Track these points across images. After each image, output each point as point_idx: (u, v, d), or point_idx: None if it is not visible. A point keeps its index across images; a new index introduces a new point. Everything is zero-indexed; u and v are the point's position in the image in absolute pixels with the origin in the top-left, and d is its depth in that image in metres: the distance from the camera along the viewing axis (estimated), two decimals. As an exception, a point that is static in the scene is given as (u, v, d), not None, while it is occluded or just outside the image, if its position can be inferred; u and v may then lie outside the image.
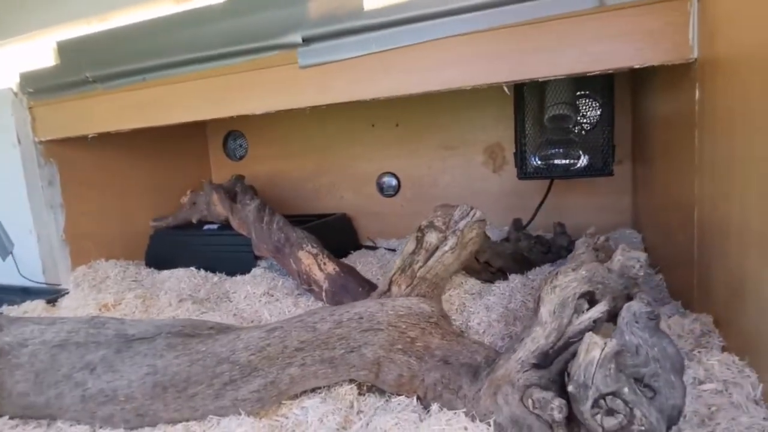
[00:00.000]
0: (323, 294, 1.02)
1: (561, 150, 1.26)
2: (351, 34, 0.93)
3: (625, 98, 1.37)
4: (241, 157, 1.89)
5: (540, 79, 0.85)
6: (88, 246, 1.41)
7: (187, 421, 0.64)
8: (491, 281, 1.04)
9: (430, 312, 0.69)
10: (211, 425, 0.62)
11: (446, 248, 0.80)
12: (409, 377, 0.64)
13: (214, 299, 1.14)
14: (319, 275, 1.04)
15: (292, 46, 0.97)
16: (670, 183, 0.93)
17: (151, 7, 1.14)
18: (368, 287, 1.00)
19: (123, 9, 1.18)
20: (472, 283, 1.03)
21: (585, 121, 1.27)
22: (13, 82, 1.28)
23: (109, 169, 1.48)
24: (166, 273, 1.33)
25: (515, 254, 1.11)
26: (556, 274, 0.60)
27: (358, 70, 0.94)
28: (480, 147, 1.55)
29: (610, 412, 0.46)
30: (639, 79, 1.28)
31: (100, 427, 0.65)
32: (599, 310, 0.55)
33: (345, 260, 1.31)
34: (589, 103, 1.26)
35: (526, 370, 0.55)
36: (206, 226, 1.41)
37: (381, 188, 1.70)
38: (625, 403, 0.46)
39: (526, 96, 1.27)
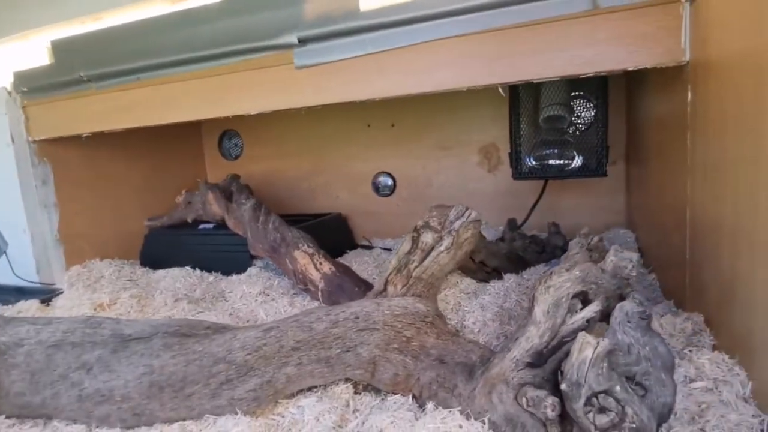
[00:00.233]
0: (319, 294, 1.03)
1: (555, 150, 1.27)
2: (347, 35, 0.93)
3: (619, 99, 1.38)
4: (237, 157, 1.89)
5: (534, 81, 0.85)
6: (82, 245, 1.40)
7: (184, 420, 0.64)
8: (486, 281, 1.04)
9: (426, 311, 0.69)
10: (208, 424, 0.63)
11: (442, 248, 0.80)
12: (405, 376, 0.65)
13: (209, 299, 1.14)
14: (315, 275, 1.04)
15: (288, 46, 0.97)
16: (663, 184, 0.94)
17: (146, 7, 1.14)
18: (364, 287, 1.00)
19: (117, 9, 1.18)
20: (468, 283, 1.04)
21: (579, 121, 1.28)
22: (7, 81, 1.28)
23: (104, 169, 1.48)
24: (161, 272, 1.33)
25: (510, 254, 1.12)
26: (550, 274, 0.60)
27: (354, 70, 0.95)
28: (475, 147, 1.56)
29: (603, 410, 0.47)
30: (633, 81, 1.29)
31: (97, 427, 0.65)
32: (592, 309, 0.56)
33: (341, 260, 1.31)
34: (584, 104, 1.27)
35: (521, 369, 0.56)
36: (201, 226, 1.40)
37: (377, 188, 1.70)
38: (617, 401, 0.47)
39: (521, 96, 1.28)
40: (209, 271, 1.32)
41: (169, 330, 0.68)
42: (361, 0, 0.91)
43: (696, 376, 0.60)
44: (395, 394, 0.65)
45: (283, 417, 0.63)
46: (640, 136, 1.20)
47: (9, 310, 1.11)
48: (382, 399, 0.66)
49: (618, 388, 0.47)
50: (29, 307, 1.12)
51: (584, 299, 0.59)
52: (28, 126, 1.29)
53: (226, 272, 1.30)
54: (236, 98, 1.06)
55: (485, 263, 1.07)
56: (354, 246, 1.59)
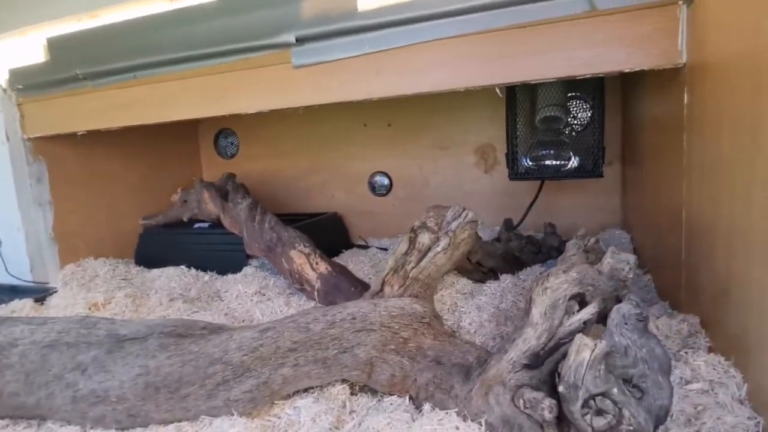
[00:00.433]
0: (315, 293, 1.03)
1: (552, 151, 1.27)
2: (344, 34, 0.93)
3: (616, 100, 1.39)
4: (233, 156, 1.88)
5: (531, 82, 0.85)
6: (76, 244, 1.39)
7: (179, 421, 0.63)
8: (483, 281, 1.05)
9: (423, 312, 0.69)
10: (204, 426, 0.62)
11: (438, 249, 0.80)
12: (402, 377, 0.64)
13: (205, 298, 1.14)
14: (311, 275, 1.04)
15: (286, 45, 0.97)
16: (659, 185, 0.95)
17: (144, 5, 1.13)
18: (360, 287, 1.00)
19: (114, 6, 1.17)
20: (464, 283, 1.04)
21: (576, 122, 1.28)
22: (2, 78, 1.27)
23: (99, 167, 1.47)
24: (156, 272, 1.32)
25: (506, 254, 1.12)
26: (548, 275, 0.60)
27: (352, 70, 0.94)
28: (472, 147, 1.56)
29: (600, 412, 0.47)
30: (629, 82, 1.30)
31: (91, 428, 0.64)
32: (589, 311, 0.56)
33: (337, 259, 1.31)
34: (580, 105, 1.27)
35: (518, 371, 0.56)
36: (197, 225, 1.40)
37: (373, 187, 1.70)
38: (614, 403, 0.47)
39: (518, 97, 1.28)
40: (205, 270, 1.32)
41: (164, 330, 0.68)
42: (359, 0, 0.90)
43: (692, 377, 0.60)
44: (392, 395, 0.65)
45: (279, 418, 0.63)
46: (636, 137, 1.21)
47: (2, 310, 1.10)
48: (379, 400, 0.66)
49: (615, 390, 0.47)
50: (23, 306, 1.11)
51: (581, 301, 0.59)
52: (23, 123, 1.28)
53: (222, 272, 1.29)
54: (234, 97, 1.06)
55: (482, 264, 1.07)
56: (350, 246, 1.58)
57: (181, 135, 1.81)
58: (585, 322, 0.56)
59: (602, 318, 0.58)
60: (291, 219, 1.35)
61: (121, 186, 1.54)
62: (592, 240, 0.77)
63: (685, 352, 0.64)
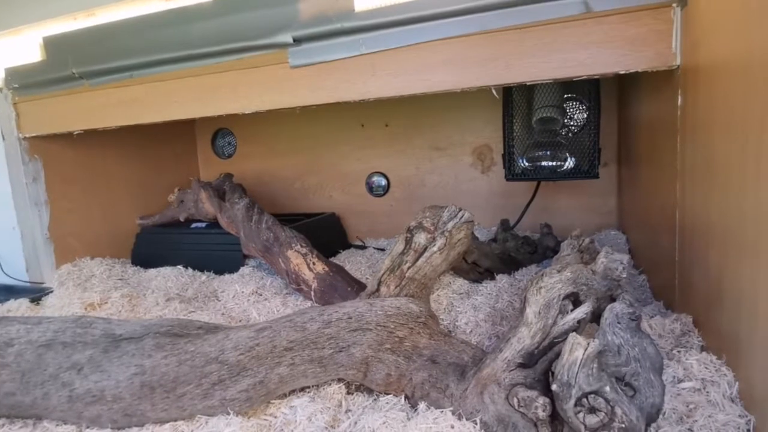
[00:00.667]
0: (312, 293, 1.03)
1: (548, 152, 1.28)
2: (342, 35, 0.93)
3: (611, 102, 1.39)
4: (230, 155, 1.88)
5: (527, 83, 0.86)
6: (73, 244, 1.39)
7: (175, 421, 0.64)
8: (479, 281, 1.05)
9: (419, 312, 0.70)
10: (200, 425, 0.62)
11: (435, 249, 0.80)
12: (397, 376, 0.65)
13: (201, 298, 1.14)
14: (308, 275, 1.04)
15: (283, 45, 0.97)
16: (654, 186, 0.95)
17: (140, 4, 1.13)
18: (357, 287, 1.01)
19: (111, 5, 1.17)
20: (460, 283, 1.04)
21: (572, 123, 1.29)
22: (-2, 78, 1.27)
23: (95, 166, 1.47)
24: (152, 272, 1.32)
25: (502, 255, 1.13)
26: (542, 275, 0.61)
27: (349, 71, 0.95)
28: (468, 148, 1.56)
29: (592, 410, 0.48)
30: (625, 84, 1.30)
31: (87, 428, 0.64)
32: (583, 311, 0.57)
33: (334, 259, 1.31)
34: (577, 106, 1.28)
35: (512, 370, 0.56)
36: (194, 225, 1.40)
37: (370, 188, 1.70)
38: (607, 401, 0.47)
39: (514, 98, 1.29)
40: (201, 270, 1.32)
41: (160, 330, 0.68)
42: (356, 0, 0.91)
43: (684, 376, 0.60)
44: (388, 394, 0.66)
45: (275, 417, 0.63)
46: (631, 138, 1.21)
47: (-2, 309, 1.10)
48: (375, 399, 0.66)
49: (608, 388, 0.48)
50: (19, 306, 1.11)
51: (575, 300, 0.60)
52: (19, 123, 1.28)
53: (219, 271, 1.30)
54: (231, 97, 1.06)
55: (478, 264, 1.08)
56: (347, 246, 1.59)
57: (178, 134, 1.81)
58: (579, 322, 0.57)
59: (596, 317, 0.58)
60: (288, 219, 1.35)
61: (117, 185, 1.54)
62: (587, 240, 0.77)
63: (678, 351, 0.65)
